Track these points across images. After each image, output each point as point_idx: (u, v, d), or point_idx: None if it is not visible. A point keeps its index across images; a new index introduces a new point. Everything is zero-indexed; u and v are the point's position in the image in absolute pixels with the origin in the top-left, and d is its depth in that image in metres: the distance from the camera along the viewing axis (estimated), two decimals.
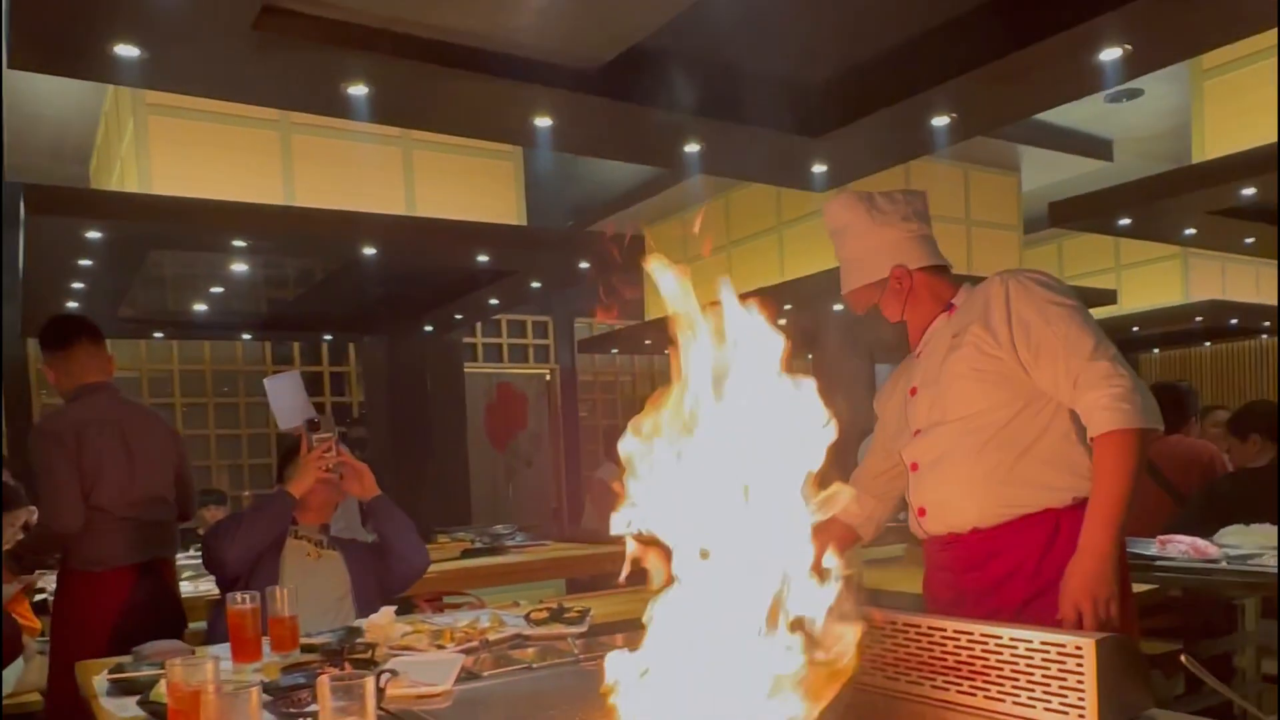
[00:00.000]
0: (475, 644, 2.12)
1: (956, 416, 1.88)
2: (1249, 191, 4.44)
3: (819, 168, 4.18)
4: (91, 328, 3.22)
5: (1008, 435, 1.83)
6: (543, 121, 3.48)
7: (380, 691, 1.62)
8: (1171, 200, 4.68)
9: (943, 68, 3.36)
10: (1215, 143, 4.40)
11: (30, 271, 4.49)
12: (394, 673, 1.75)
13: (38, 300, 5.09)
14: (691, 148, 3.82)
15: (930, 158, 5.46)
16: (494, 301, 6.09)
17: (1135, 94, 5.24)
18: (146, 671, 1.91)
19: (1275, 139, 3.91)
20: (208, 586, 3.81)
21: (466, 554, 4.72)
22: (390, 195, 4.50)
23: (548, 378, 9.29)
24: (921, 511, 1.98)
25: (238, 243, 4.31)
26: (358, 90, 3.12)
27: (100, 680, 1.96)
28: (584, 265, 5.12)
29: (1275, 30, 3.29)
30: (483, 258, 4.79)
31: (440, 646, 2.11)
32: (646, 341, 8.30)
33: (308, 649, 2.09)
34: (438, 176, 4.63)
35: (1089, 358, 1.74)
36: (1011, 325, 1.80)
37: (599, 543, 5.07)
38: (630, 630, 2.05)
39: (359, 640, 2.13)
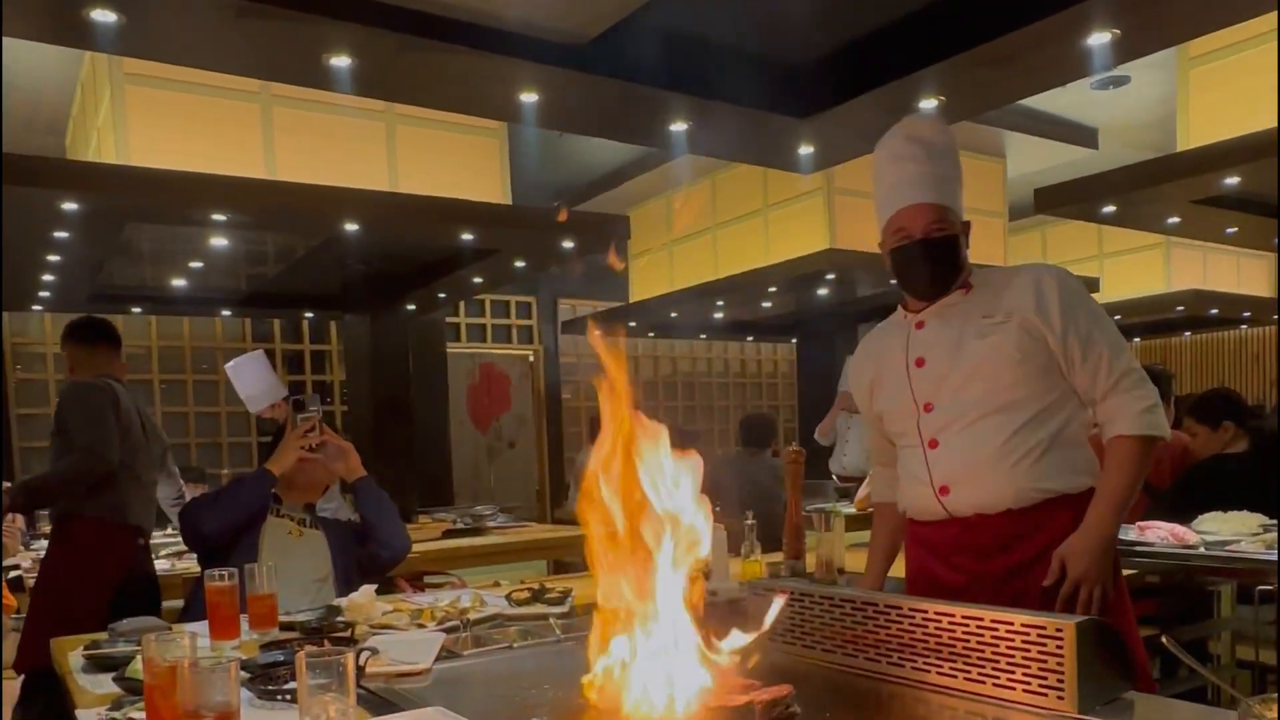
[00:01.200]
0: (456, 623, 2.11)
1: (993, 396, 1.87)
2: (1233, 181, 4.46)
3: (805, 149, 4.16)
4: (114, 333, 3.62)
5: (1042, 421, 1.86)
6: (528, 97, 3.44)
7: (360, 669, 1.61)
8: (1156, 188, 4.70)
9: (931, 50, 3.34)
10: (1200, 131, 4.41)
11: (3, 243, 4.42)
12: (374, 651, 1.73)
13: (12, 273, 5.01)
14: (678, 126, 3.79)
15: None
16: (477, 281, 6.05)
17: (1121, 81, 5.25)
18: (123, 648, 1.89)
19: (1262, 127, 3.92)
20: (185, 564, 3.79)
21: (448, 534, 4.71)
22: (373, 171, 4.45)
23: (531, 359, 9.26)
24: (944, 490, 1.92)
25: (217, 217, 4.24)
26: (340, 61, 3.07)
27: (76, 656, 1.94)
28: (568, 245, 5.09)
29: (1263, 17, 3.29)
30: (466, 236, 4.74)
31: (421, 625, 2.10)
32: (631, 323, 8.29)
33: (287, 627, 2.07)
34: (422, 152, 4.58)
35: (1128, 362, 1.85)
36: (1066, 320, 1.84)
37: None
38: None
39: (339, 619, 2.11)
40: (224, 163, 4.09)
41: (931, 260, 1.92)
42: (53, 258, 4.75)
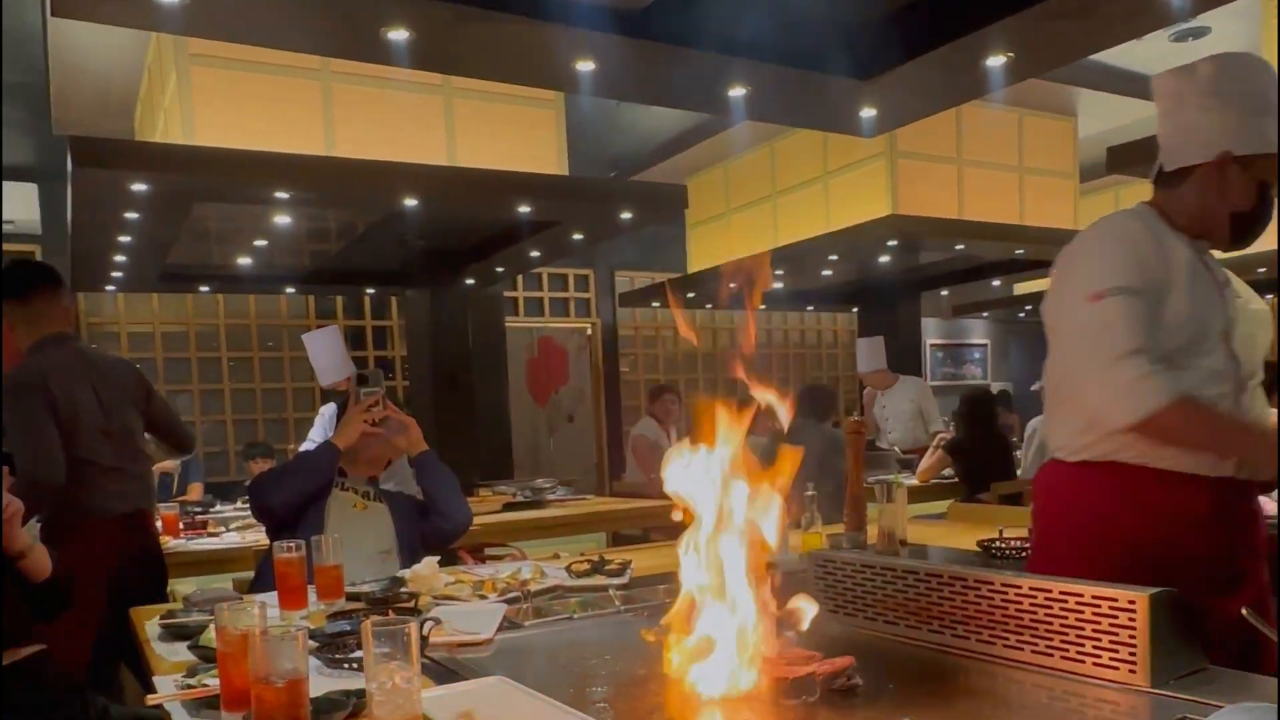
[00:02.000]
0: (517, 594, 2.13)
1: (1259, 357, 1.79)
2: None
3: (867, 112, 4.06)
4: (53, 274, 3.06)
5: None
6: (585, 65, 3.41)
7: (424, 639, 1.63)
8: None
9: (999, 4, 3.22)
10: None
11: (77, 225, 4.55)
12: (437, 621, 1.76)
13: (84, 254, 5.17)
14: (737, 92, 3.73)
15: (982, 101, 5.30)
16: (535, 254, 6.06)
17: (1201, 33, 5.02)
18: (197, 617, 1.95)
19: None
20: (255, 537, 3.90)
21: (508, 507, 4.76)
22: (431, 145, 4.47)
23: (589, 332, 9.28)
24: None
25: (280, 194, 4.30)
26: (397, 35, 3.08)
27: (153, 626, 2.01)
28: (626, 217, 5.06)
29: None
30: (524, 208, 4.74)
31: (482, 596, 2.12)
32: (689, 294, 8.25)
33: (353, 597, 2.11)
34: (479, 126, 4.59)
35: None
36: None
37: (640, 497, 5.08)
38: (671, 583, 2.06)
39: (403, 589, 2.15)
40: (287, 140, 4.15)
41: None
42: (123, 239, 4.88)
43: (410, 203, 4.54)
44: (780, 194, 6.47)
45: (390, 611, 1.91)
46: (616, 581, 2.27)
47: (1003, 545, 2.67)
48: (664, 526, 4.46)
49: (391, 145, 4.35)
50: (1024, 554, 2.52)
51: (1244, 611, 1.35)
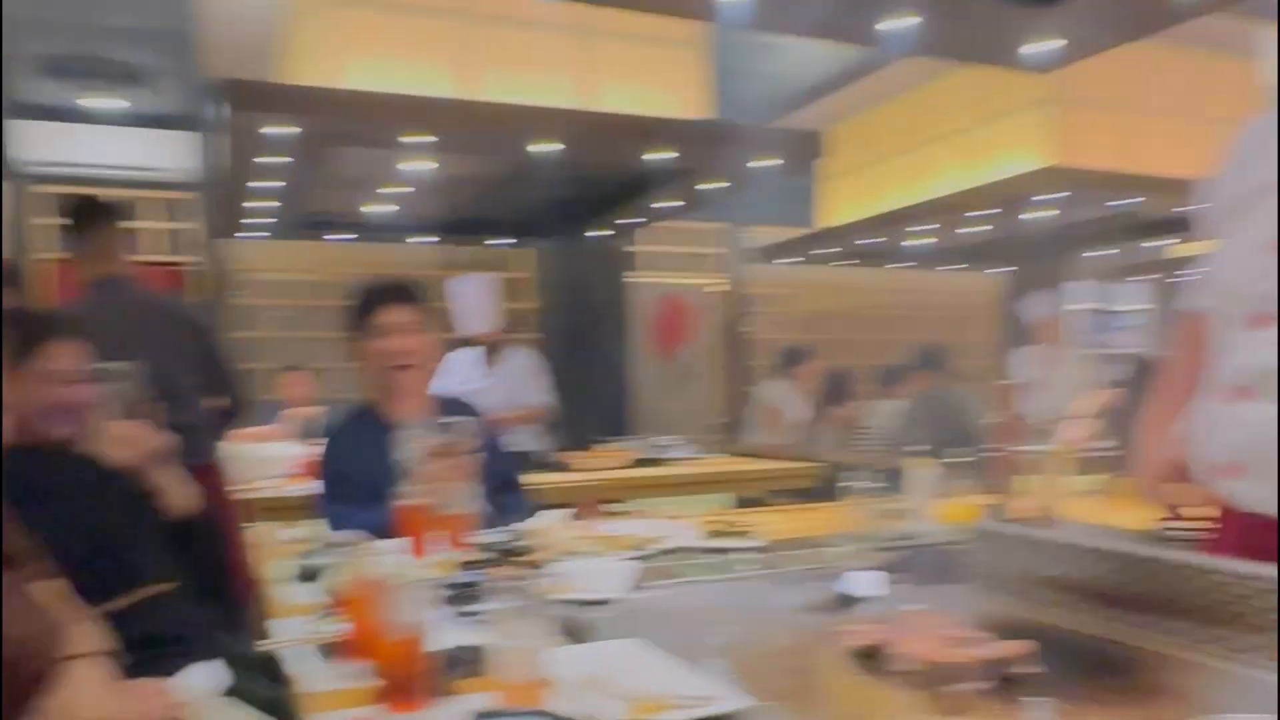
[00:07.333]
0: (643, 553, 2.02)
1: None
2: None
3: (1045, 44, 3.63)
4: (114, 210, 3.04)
5: None
6: None
7: (544, 593, 1.54)
8: None
9: None
10: None
11: (223, 170, 4.65)
12: (562, 576, 1.68)
13: (227, 201, 5.28)
14: (898, 23, 3.39)
15: (1164, 42, 4.79)
16: (666, 205, 5.92)
17: None
18: (328, 560, 1.91)
19: None
20: None
21: (641, 463, 4.65)
22: (568, 89, 4.40)
23: (715, 289, 9.09)
24: None
25: (418, 139, 4.28)
26: None
27: (288, 565, 1.99)
28: (761, 164, 4.84)
29: None
30: (660, 155, 4.57)
31: (607, 553, 2.03)
32: (812, 251, 7.95)
33: (478, 548, 2.05)
34: (618, 69, 4.48)
35: None
36: None
37: (769, 458, 4.92)
38: (805, 548, 1.93)
39: (526, 543, 2.07)
40: (424, 84, 4.15)
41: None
42: (264, 184, 4.97)
43: (546, 149, 4.46)
44: (926, 144, 6.12)
45: (514, 564, 1.83)
46: (749, 544, 2.13)
47: (1182, 526, 2.39)
48: (787, 490, 4.29)
49: (529, 89, 4.30)
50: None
51: None
